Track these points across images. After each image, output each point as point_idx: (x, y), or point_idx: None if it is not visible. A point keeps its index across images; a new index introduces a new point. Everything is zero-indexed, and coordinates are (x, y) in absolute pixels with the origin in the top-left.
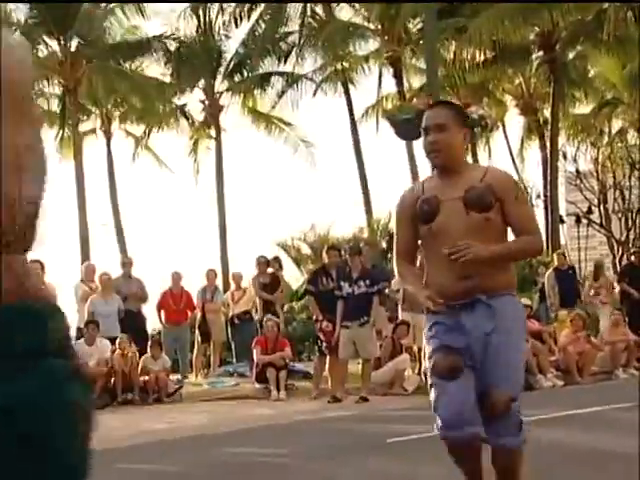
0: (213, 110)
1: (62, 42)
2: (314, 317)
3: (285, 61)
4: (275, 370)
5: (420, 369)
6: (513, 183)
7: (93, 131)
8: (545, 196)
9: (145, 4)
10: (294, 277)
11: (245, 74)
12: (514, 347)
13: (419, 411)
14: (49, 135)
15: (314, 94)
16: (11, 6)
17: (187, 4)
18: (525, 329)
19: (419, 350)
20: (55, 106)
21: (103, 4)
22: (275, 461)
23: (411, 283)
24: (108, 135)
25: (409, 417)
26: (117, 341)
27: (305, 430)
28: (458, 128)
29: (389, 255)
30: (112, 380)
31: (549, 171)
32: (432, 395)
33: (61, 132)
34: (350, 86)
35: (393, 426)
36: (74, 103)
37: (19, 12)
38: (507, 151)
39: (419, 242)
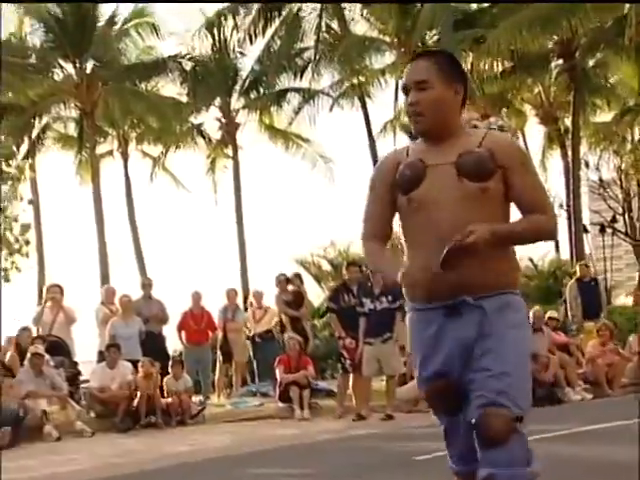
0: (230, 128)
1: (78, 65)
2: (336, 334)
3: (301, 77)
4: (298, 389)
5: None
6: (519, 149)
7: (110, 153)
8: (568, 206)
9: (159, 24)
10: (315, 294)
11: (261, 91)
12: (512, 351)
13: None
14: (67, 159)
15: (331, 109)
16: (27, 30)
17: (201, 23)
18: (529, 333)
19: None
20: (72, 129)
21: (117, 26)
22: None
23: (382, 259)
24: (125, 156)
25: (435, 434)
26: (139, 363)
27: (330, 449)
28: (445, 83)
29: None
30: (135, 403)
31: (571, 180)
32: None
33: (79, 155)
34: (367, 100)
35: (419, 443)
36: (91, 126)
37: (35, 37)
38: None
39: (398, 222)
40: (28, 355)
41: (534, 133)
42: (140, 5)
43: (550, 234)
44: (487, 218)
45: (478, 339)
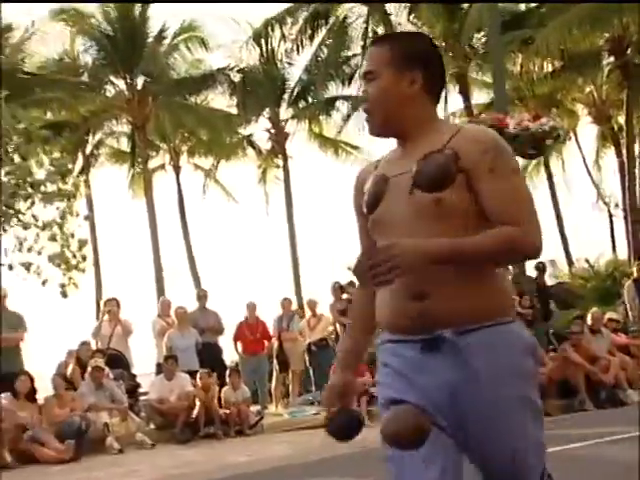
0: (279, 138)
1: (129, 81)
2: None
3: (349, 84)
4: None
5: None
6: (492, 146)
7: (162, 167)
8: (624, 205)
9: (207, 38)
10: None
11: (310, 100)
12: (512, 418)
13: None
14: (120, 173)
15: None
16: (80, 48)
17: (249, 34)
18: (534, 377)
19: None
20: (125, 144)
21: (166, 41)
22: None
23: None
24: (177, 170)
25: None
26: (197, 374)
27: None
28: (395, 71)
29: None
30: (193, 414)
31: (627, 179)
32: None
33: (132, 170)
34: None
35: None
36: (143, 140)
37: (87, 55)
38: (582, 161)
39: None
40: (88, 369)
41: (587, 133)
42: (188, 19)
43: (524, 251)
44: (447, 236)
45: (457, 387)
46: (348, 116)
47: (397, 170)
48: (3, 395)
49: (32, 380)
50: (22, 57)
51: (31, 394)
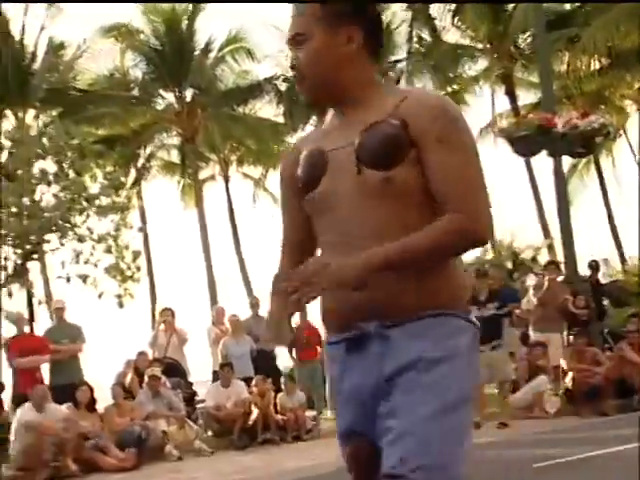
0: None
1: (178, 94)
2: None
3: None
4: None
5: (559, 390)
6: (443, 114)
7: (212, 177)
8: None
9: (254, 48)
10: None
11: None
12: (426, 398)
13: (562, 434)
14: (171, 185)
15: None
16: (129, 64)
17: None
18: (465, 365)
19: (556, 369)
20: (175, 156)
21: (213, 53)
22: None
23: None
24: (227, 179)
25: (552, 440)
26: (253, 381)
27: None
28: (329, 29)
29: (515, 275)
30: (250, 420)
31: None
32: None
33: (182, 181)
34: (463, 107)
35: (537, 450)
36: (193, 151)
37: (137, 70)
38: (632, 158)
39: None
40: (146, 378)
41: (637, 129)
42: (234, 31)
43: (474, 239)
44: (398, 220)
45: (383, 385)
46: None
47: (337, 143)
48: (64, 405)
49: (92, 390)
50: (74, 75)
51: (91, 404)
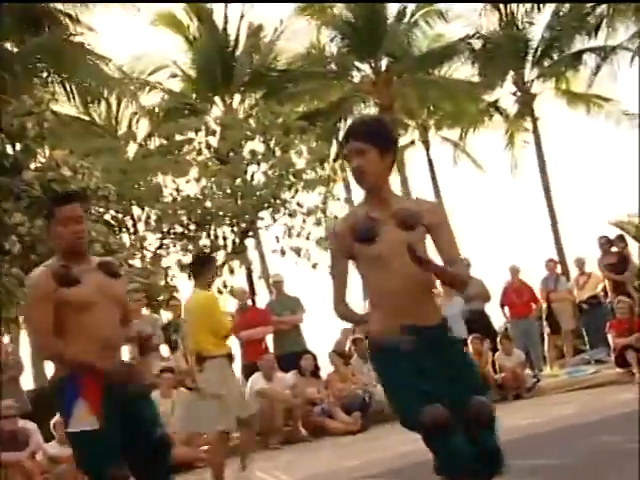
0: (526, 99)
1: (373, 64)
2: None
3: (595, 35)
4: (635, 352)
5: None
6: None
7: (412, 143)
8: None
9: (445, 11)
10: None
11: (554, 57)
12: None
13: None
14: None
15: (631, 63)
16: (325, 40)
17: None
18: None
19: None
20: None
21: (406, 20)
22: None
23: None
24: (427, 144)
25: None
26: (468, 341)
27: None
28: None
29: None
30: None
31: None
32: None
33: None
34: None
35: None
36: (391, 119)
37: (332, 45)
38: None
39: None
40: (360, 345)
41: None
42: None
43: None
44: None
45: None
46: (597, 68)
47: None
48: (290, 373)
49: (315, 358)
50: (274, 56)
51: (315, 371)
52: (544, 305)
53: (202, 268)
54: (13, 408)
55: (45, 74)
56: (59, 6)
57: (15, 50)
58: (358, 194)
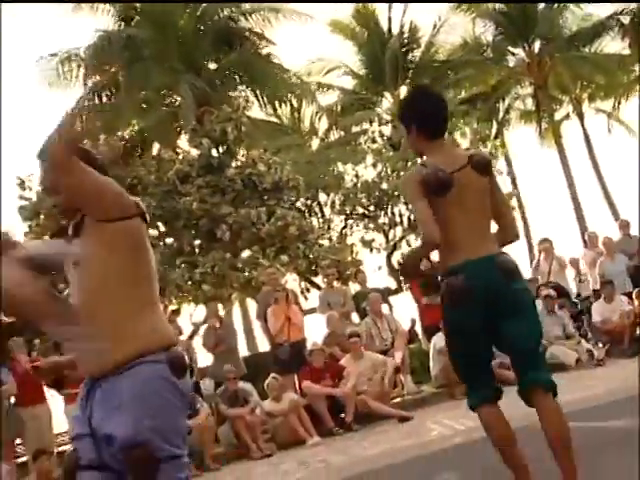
0: None
1: (526, 48)
2: None
3: None
4: None
5: None
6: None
7: (567, 116)
8: None
9: None
10: None
11: None
12: None
13: None
14: (528, 131)
15: None
16: (479, 30)
17: None
18: None
19: None
20: (530, 105)
21: (555, 5)
22: None
23: None
24: (581, 117)
25: None
26: (633, 294)
27: None
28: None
29: None
30: (637, 331)
31: None
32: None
33: (538, 125)
34: None
35: None
36: (546, 96)
37: (487, 34)
38: None
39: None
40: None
41: None
42: None
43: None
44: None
45: None
46: None
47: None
48: None
49: None
50: (435, 49)
51: None
52: None
53: None
54: (233, 372)
55: (240, 85)
56: (247, 25)
57: (214, 67)
58: (518, 168)
